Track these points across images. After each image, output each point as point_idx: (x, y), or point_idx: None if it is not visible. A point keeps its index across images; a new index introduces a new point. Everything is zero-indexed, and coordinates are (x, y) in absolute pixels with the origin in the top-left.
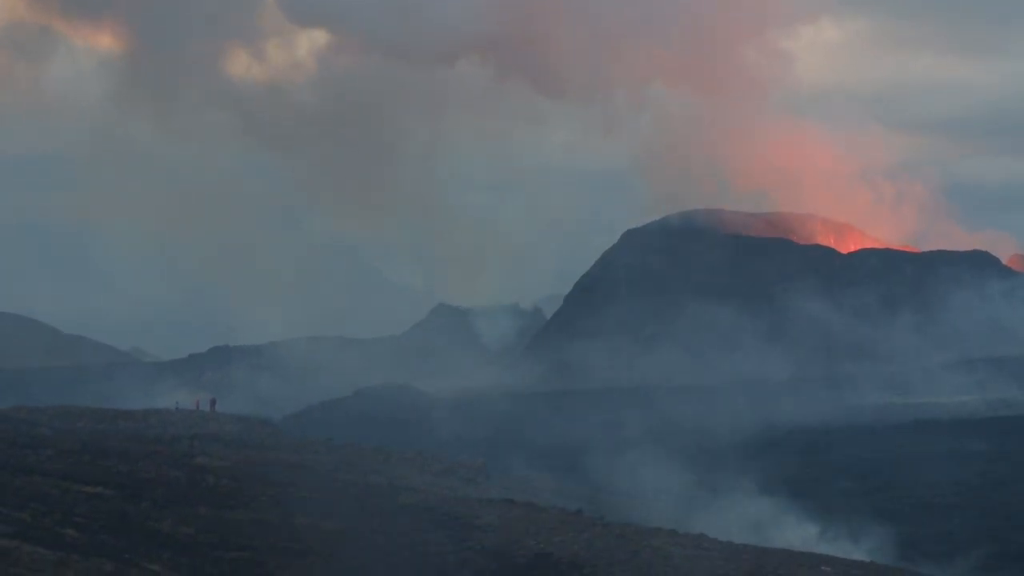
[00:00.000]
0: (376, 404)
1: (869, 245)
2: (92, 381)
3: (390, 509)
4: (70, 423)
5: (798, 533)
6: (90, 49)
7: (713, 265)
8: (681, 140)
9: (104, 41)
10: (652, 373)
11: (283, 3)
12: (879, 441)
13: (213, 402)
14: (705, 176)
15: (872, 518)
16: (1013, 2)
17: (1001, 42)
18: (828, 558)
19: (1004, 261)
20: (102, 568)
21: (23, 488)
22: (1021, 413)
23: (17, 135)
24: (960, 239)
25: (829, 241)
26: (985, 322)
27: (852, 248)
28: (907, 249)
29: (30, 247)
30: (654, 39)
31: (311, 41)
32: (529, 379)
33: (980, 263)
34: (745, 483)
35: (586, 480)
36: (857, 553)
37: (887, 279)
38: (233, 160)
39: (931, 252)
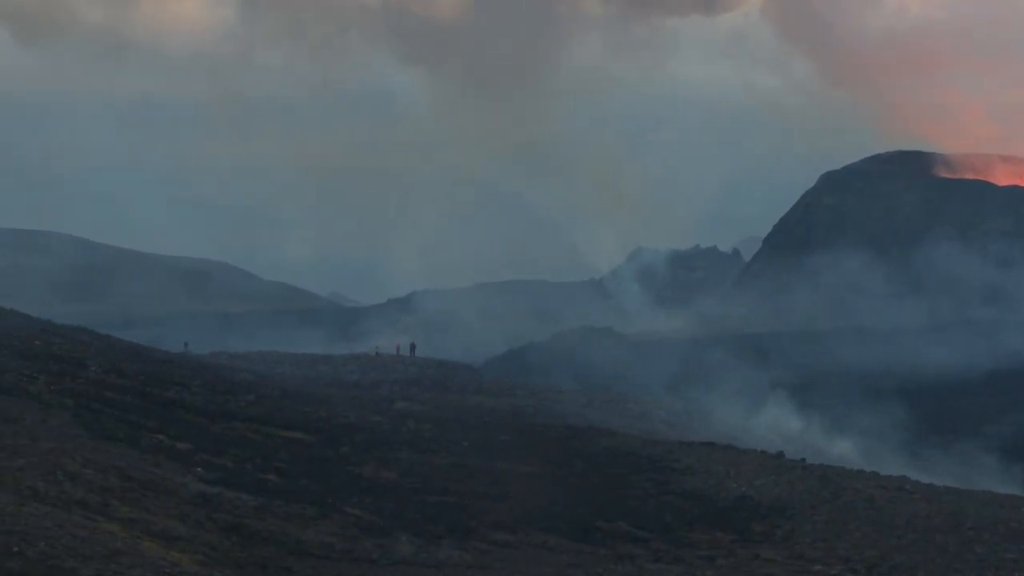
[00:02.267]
0: (576, 348)
1: None
2: (291, 327)
3: (590, 452)
4: (270, 368)
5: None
6: None
7: (912, 207)
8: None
9: None
10: (856, 316)
11: None
12: None
13: (413, 347)
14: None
15: None
16: None
17: None
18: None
19: None
20: (303, 513)
21: (224, 434)
22: None
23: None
24: None
25: None
26: None
27: None
28: None
29: (212, 194)
30: None
31: None
32: (730, 322)
33: None
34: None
35: (784, 423)
36: None
37: None
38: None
39: None
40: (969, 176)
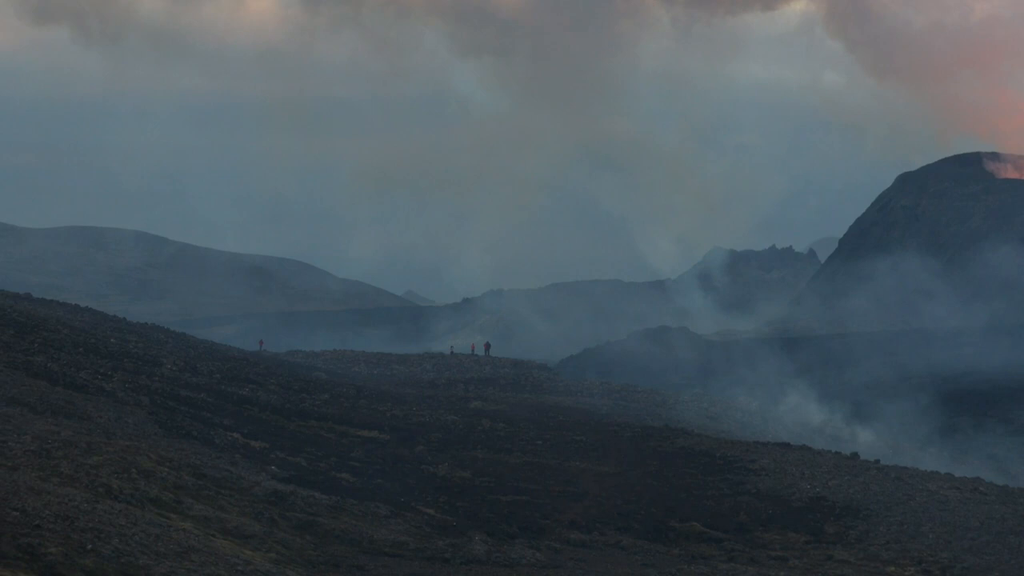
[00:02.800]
0: (652, 347)
1: None
2: (366, 325)
3: (665, 452)
4: (345, 367)
5: None
6: None
7: (990, 209)
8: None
9: None
10: (927, 318)
11: None
12: None
13: (488, 346)
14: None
15: None
16: None
17: None
18: None
19: None
20: (377, 512)
21: (299, 432)
22: None
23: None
24: None
25: None
26: None
27: None
28: None
29: (282, 192)
30: None
31: None
32: (804, 324)
33: None
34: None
35: (866, 424)
36: None
37: None
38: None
39: None
40: None
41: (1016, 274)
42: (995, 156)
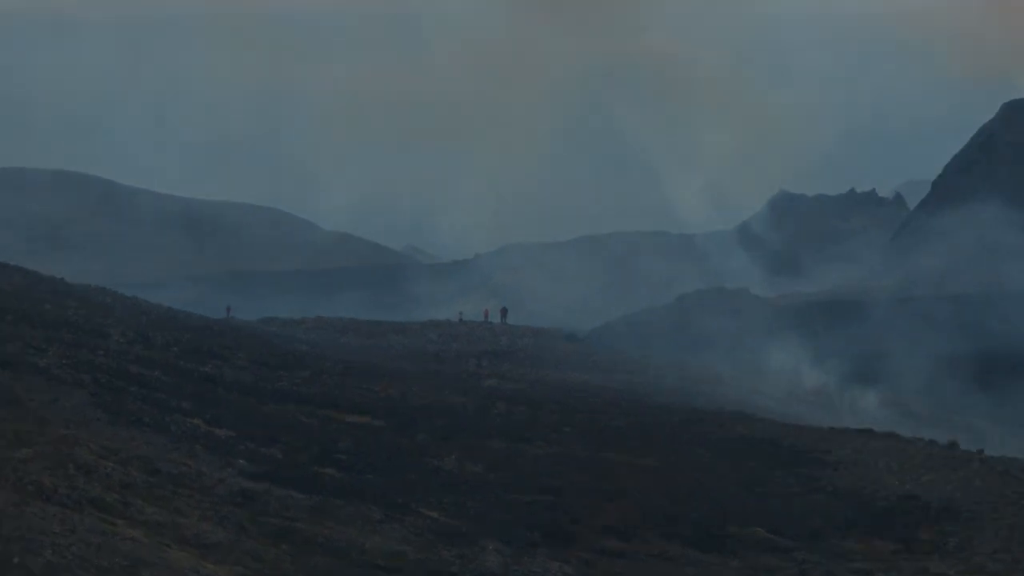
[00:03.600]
0: (703, 313)
1: None
2: (357, 286)
3: (720, 441)
4: (332, 338)
5: None
6: None
7: None
8: None
9: None
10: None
11: None
12: None
13: (504, 312)
14: None
15: None
16: None
17: None
18: None
19: None
20: (369, 516)
21: (274, 417)
22: None
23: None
24: None
25: None
26: None
27: None
28: None
29: (236, 127)
30: None
31: None
32: (891, 282)
33: None
34: None
35: (952, 405)
36: None
37: None
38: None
39: None
40: None
41: None
42: None
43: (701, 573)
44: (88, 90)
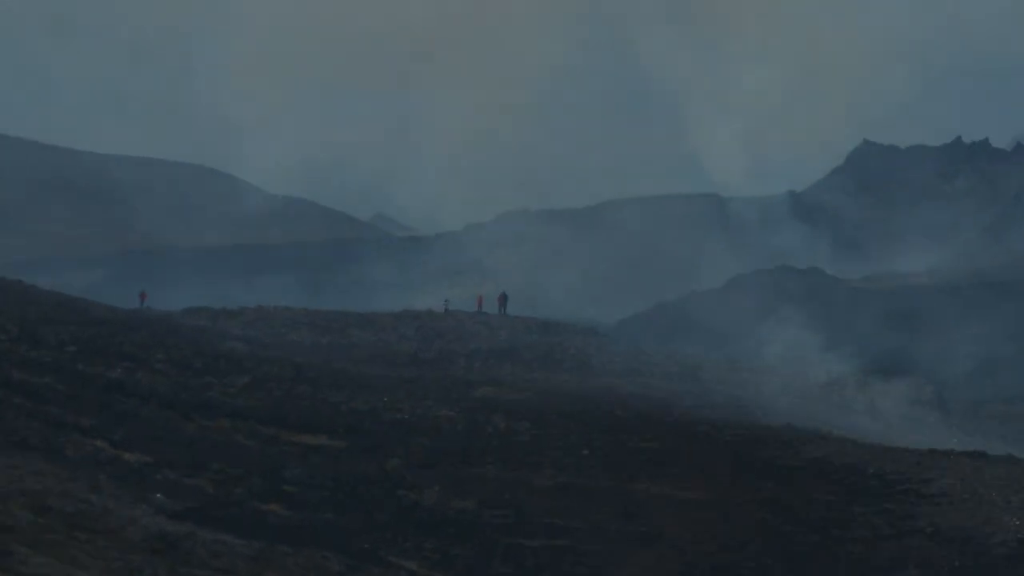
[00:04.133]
0: (761, 301)
1: None
2: (313, 266)
3: (787, 467)
4: (277, 334)
5: None
6: None
7: None
8: None
9: None
10: None
11: None
12: None
13: (503, 299)
14: None
15: None
16: None
17: None
18: None
19: None
20: (326, 567)
21: (202, 438)
22: None
23: None
24: None
25: None
26: None
27: None
28: None
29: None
30: None
31: None
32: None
33: None
34: None
35: None
36: None
37: None
38: None
39: None
40: None
41: None
42: None
43: None
44: None
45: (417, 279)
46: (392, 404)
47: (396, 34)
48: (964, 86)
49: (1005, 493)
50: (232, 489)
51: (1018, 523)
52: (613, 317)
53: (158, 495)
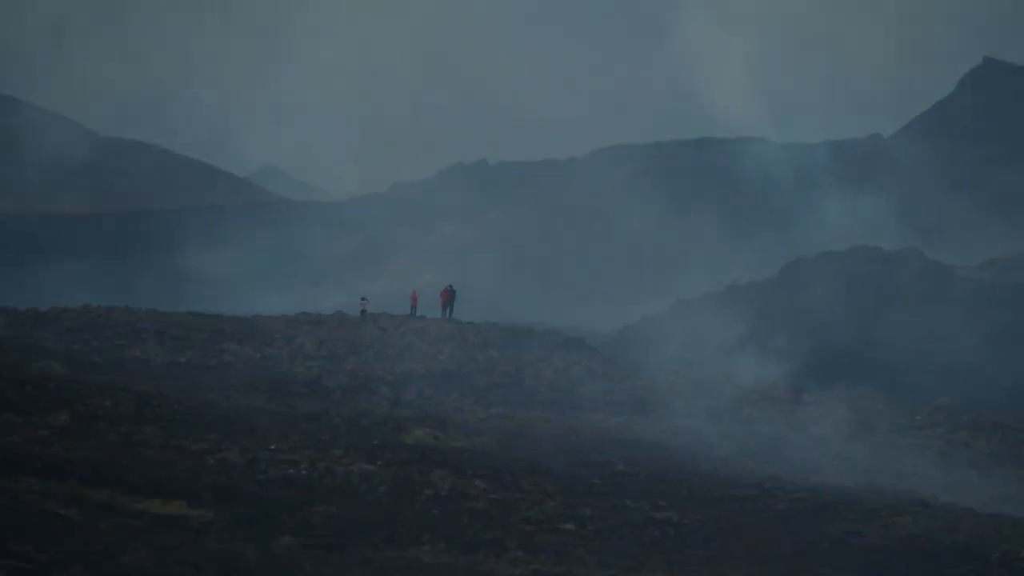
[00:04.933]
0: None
1: None
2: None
3: (872, 548)
4: (111, 348)
5: None
6: None
7: None
8: None
9: None
10: None
11: None
12: None
13: (448, 295)
14: None
15: None
16: None
17: None
18: None
19: None
20: None
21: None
22: None
23: None
24: None
25: None
26: None
27: None
28: None
29: None
30: None
31: None
32: None
33: None
34: None
35: None
36: None
37: None
38: None
39: None
40: None
41: None
42: None
43: None
44: None
45: (320, 266)
46: (283, 455)
47: None
48: None
49: None
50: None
51: None
52: (609, 322)
53: None
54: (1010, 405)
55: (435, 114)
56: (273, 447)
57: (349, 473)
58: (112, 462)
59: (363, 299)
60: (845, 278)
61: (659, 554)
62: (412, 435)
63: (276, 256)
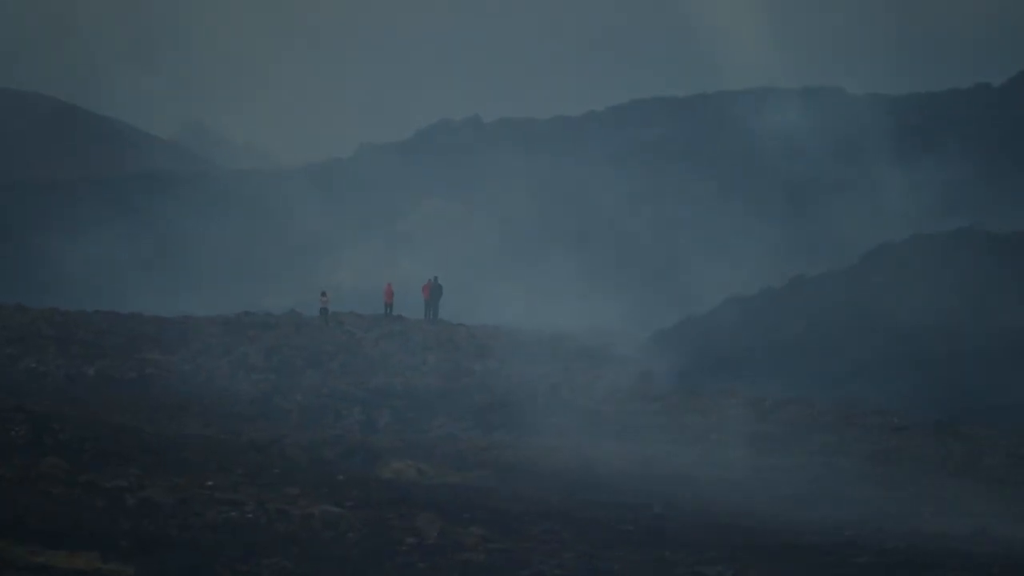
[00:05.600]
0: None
1: None
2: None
3: None
4: None
5: None
6: None
7: None
8: None
9: None
10: None
11: None
12: None
13: (432, 290)
14: None
15: None
16: None
17: None
18: None
19: None
20: None
21: None
22: None
23: None
24: None
25: None
26: None
27: None
28: None
29: None
30: None
31: None
32: None
33: None
34: None
35: None
36: None
37: None
38: None
39: None
40: None
41: None
42: None
43: None
44: None
45: (269, 252)
46: (223, 494)
47: None
48: None
49: None
50: None
51: None
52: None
53: None
54: None
55: (415, 60)
56: (210, 484)
57: (308, 517)
58: (3, 504)
59: (323, 294)
60: (955, 267)
61: None
62: (389, 468)
63: (203, 240)
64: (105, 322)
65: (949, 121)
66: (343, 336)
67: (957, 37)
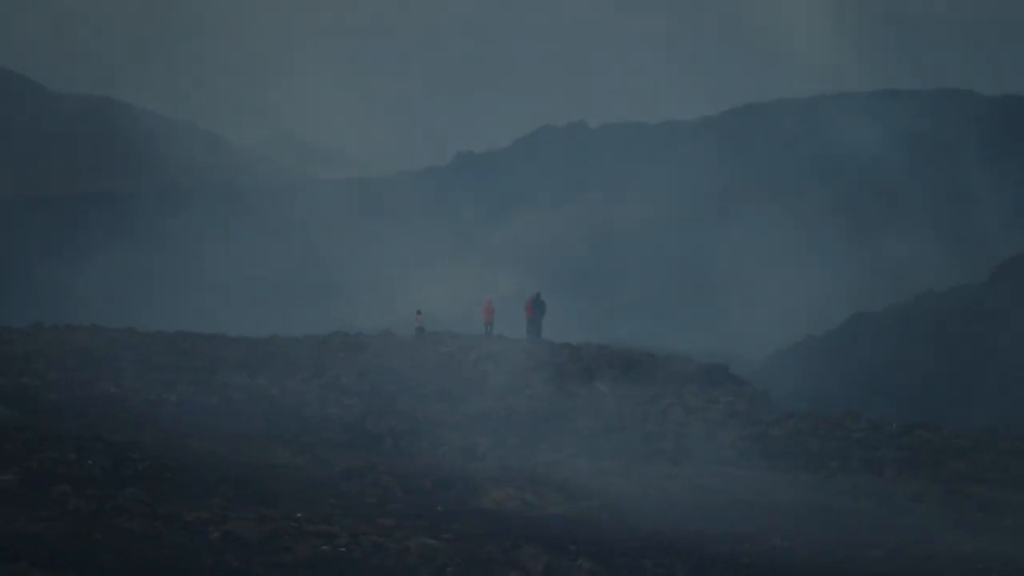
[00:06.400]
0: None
1: None
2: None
3: None
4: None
5: None
6: None
7: None
8: None
9: None
10: None
11: None
12: None
13: (535, 307)
14: None
15: None
16: None
17: None
18: None
19: None
20: None
21: None
22: None
23: None
24: None
25: None
26: None
27: None
28: None
29: None
30: None
31: None
32: None
33: None
34: None
35: None
36: None
37: None
38: None
39: None
40: None
41: None
42: None
43: None
44: None
45: (358, 269)
46: (313, 526)
47: None
48: None
49: None
50: None
51: None
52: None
53: None
54: None
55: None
56: (300, 515)
57: (404, 550)
58: (77, 538)
59: (418, 313)
60: None
61: None
62: (490, 498)
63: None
64: (185, 343)
65: None
66: (440, 357)
67: None
